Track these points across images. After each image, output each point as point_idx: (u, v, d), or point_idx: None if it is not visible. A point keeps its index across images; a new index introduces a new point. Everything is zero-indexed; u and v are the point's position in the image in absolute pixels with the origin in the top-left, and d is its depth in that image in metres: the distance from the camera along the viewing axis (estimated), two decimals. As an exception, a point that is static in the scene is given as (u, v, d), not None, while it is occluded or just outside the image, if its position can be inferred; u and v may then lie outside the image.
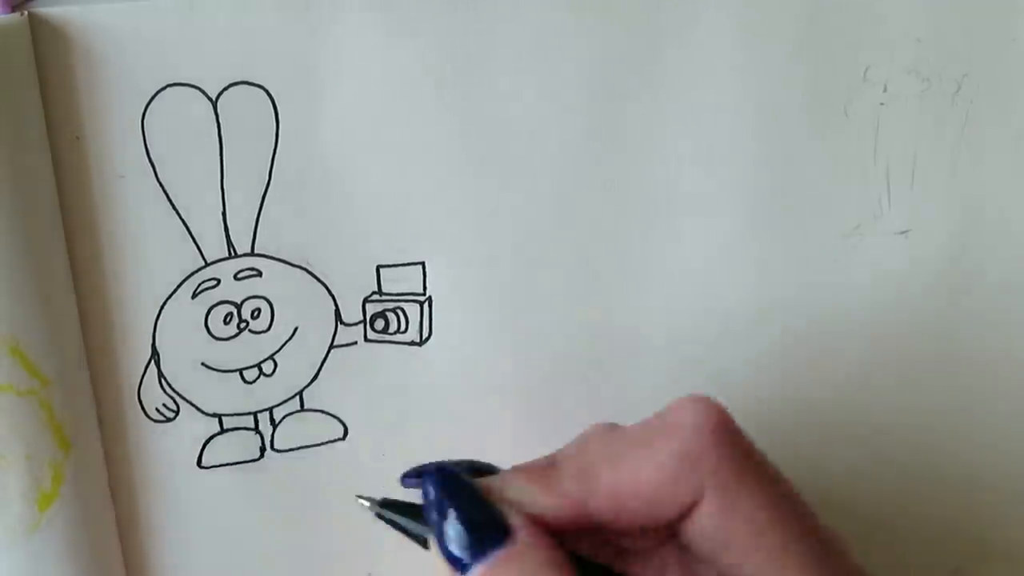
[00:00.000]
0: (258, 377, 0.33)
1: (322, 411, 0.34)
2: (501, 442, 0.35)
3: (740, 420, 0.34)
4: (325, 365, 0.33)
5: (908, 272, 0.35)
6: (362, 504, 0.28)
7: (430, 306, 0.33)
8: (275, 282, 0.32)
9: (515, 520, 0.26)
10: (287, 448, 0.34)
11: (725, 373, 0.35)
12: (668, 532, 0.26)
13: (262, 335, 0.32)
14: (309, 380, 0.33)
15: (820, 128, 0.34)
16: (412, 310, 0.33)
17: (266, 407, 0.33)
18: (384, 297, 0.33)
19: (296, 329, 0.33)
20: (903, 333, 0.36)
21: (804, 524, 0.25)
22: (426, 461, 0.28)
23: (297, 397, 0.33)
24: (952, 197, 0.35)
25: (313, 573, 0.35)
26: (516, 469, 0.27)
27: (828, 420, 0.36)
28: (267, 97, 0.30)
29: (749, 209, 0.34)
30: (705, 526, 0.25)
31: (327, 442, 0.34)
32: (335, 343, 0.33)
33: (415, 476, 0.28)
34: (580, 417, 0.34)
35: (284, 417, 0.34)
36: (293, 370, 0.33)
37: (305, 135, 0.31)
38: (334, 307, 0.33)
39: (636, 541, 0.27)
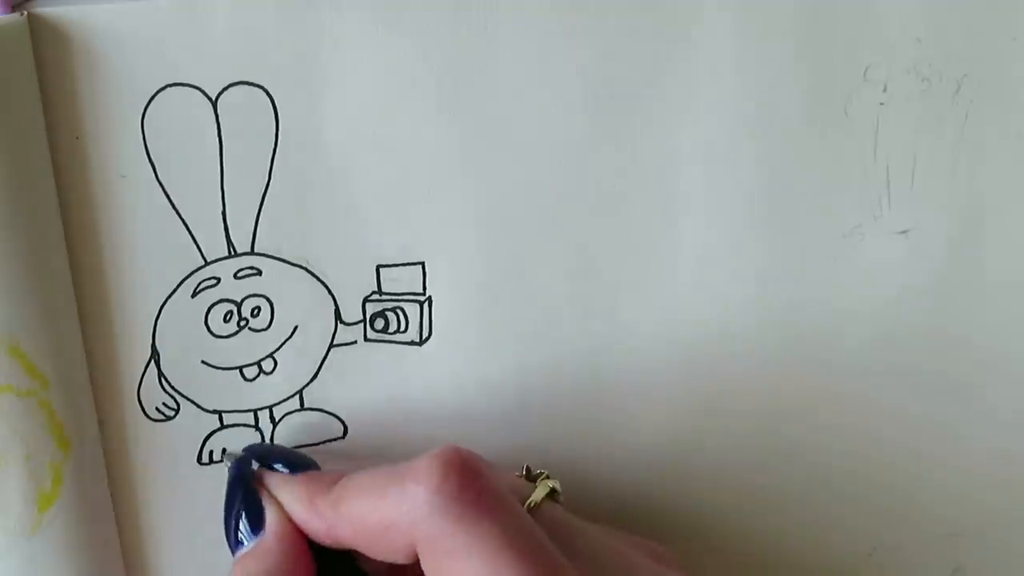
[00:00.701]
0: (258, 375, 0.33)
1: (322, 410, 0.34)
2: (500, 441, 0.35)
3: (738, 420, 0.34)
4: (325, 364, 0.33)
5: (908, 272, 0.35)
6: (225, 462, 0.33)
7: (430, 306, 0.34)
8: (275, 281, 0.32)
9: (269, 517, 0.30)
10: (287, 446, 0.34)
11: (725, 372, 0.35)
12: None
13: (262, 333, 0.33)
14: (309, 379, 0.33)
15: (820, 128, 0.34)
16: (412, 310, 0.34)
17: (266, 405, 0.33)
18: (384, 297, 0.33)
19: (296, 328, 0.33)
20: (903, 332, 0.36)
21: None
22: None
23: (297, 396, 0.34)
24: (952, 197, 0.35)
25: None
26: (303, 476, 0.30)
27: (827, 421, 0.37)
28: (267, 97, 0.30)
29: (749, 209, 0.34)
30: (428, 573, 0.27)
31: (326, 441, 0.34)
32: (335, 342, 0.33)
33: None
34: (579, 416, 0.35)
35: (284, 415, 0.34)
36: (293, 369, 0.33)
37: (305, 135, 0.31)
38: (334, 306, 0.33)
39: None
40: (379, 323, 0.33)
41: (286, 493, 0.30)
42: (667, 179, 0.33)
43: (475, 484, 0.26)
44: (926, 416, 0.37)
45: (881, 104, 0.34)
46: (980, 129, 0.34)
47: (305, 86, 0.30)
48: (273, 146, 0.31)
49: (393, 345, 0.34)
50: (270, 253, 0.32)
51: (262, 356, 0.33)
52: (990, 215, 0.35)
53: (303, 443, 0.34)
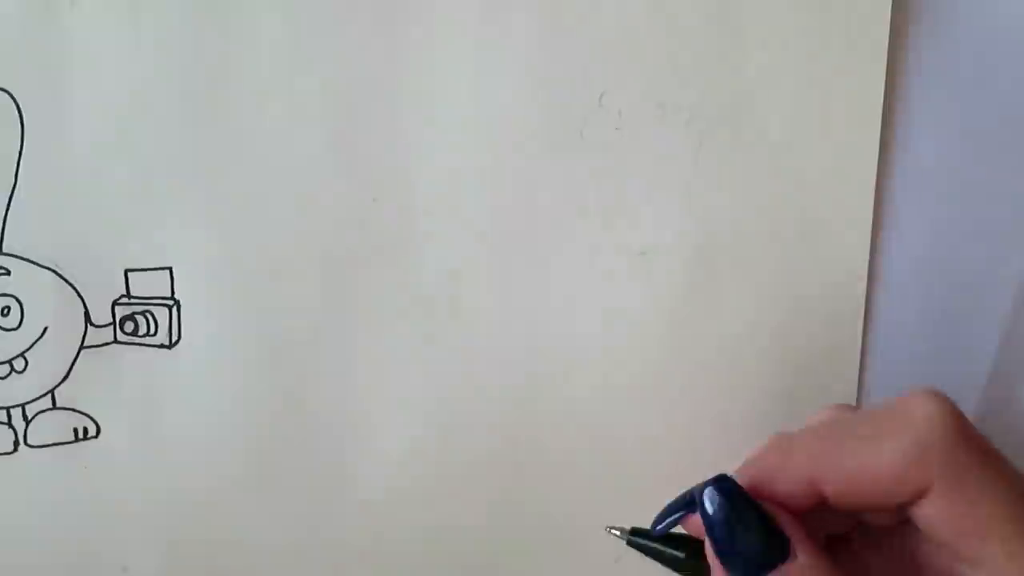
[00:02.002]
0: (10, 373, 0.34)
1: (74, 409, 0.35)
2: (247, 444, 0.36)
3: (480, 430, 0.35)
4: (76, 365, 0.35)
5: (644, 290, 0.37)
6: (613, 534, 0.30)
7: (179, 310, 0.35)
8: (24, 282, 0.34)
9: (793, 535, 0.27)
10: (41, 444, 0.35)
11: (469, 378, 0.36)
12: (902, 514, 0.27)
13: (12, 333, 0.34)
14: (61, 379, 0.35)
15: (557, 150, 0.35)
16: (161, 314, 0.35)
17: (18, 403, 0.35)
18: (133, 300, 0.35)
19: (46, 329, 0.34)
20: (639, 348, 0.37)
21: None
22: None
23: (49, 395, 0.35)
24: (687, 220, 0.36)
25: (68, 565, 0.36)
26: (750, 461, 0.28)
27: (569, 429, 0.37)
28: (11, 100, 0.32)
29: (488, 225, 0.35)
30: (935, 514, 0.26)
31: (80, 439, 0.35)
32: (86, 344, 0.35)
33: (677, 509, 0.29)
34: (325, 419, 0.36)
35: (37, 414, 0.35)
36: (44, 368, 0.35)
37: (51, 138, 0.33)
38: (83, 309, 0.34)
39: (874, 518, 0.29)
40: (129, 326, 0.35)
41: (753, 470, 0.28)
42: (407, 192, 0.35)
43: (966, 420, 0.26)
44: (660, 428, 0.38)
45: (617, 129, 0.36)
46: (713, 154, 0.36)
47: (50, 89, 0.33)
48: (19, 148, 0.33)
49: (144, 347, 0.35)
50: (19, 254, 0.34)
51: (13, 355, 0.34)
52: (723, 235, 0.36)
53: (56, 441, 0.35)
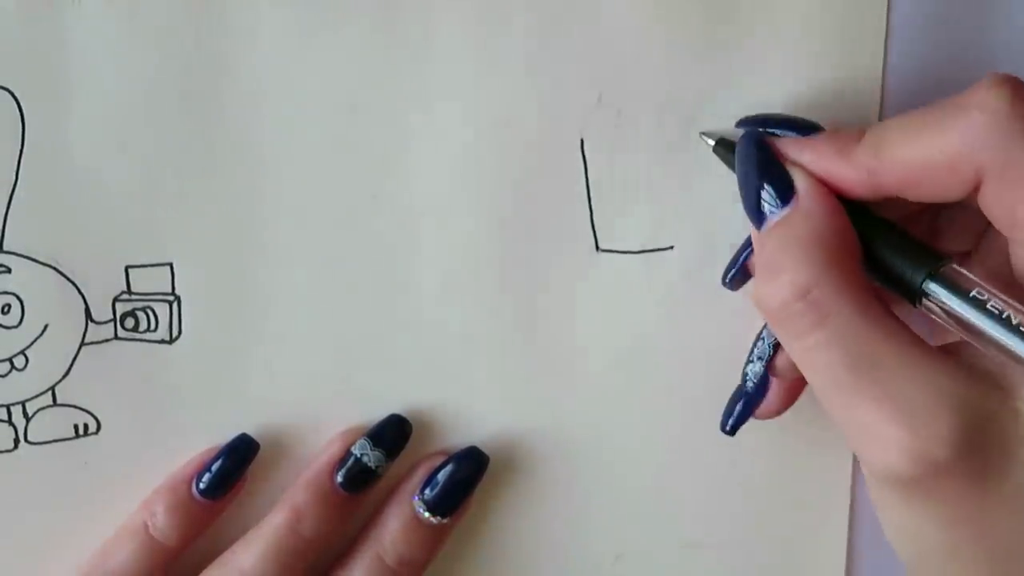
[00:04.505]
0: (10, 371, 0.34)
1: (75, 406, 0.35)
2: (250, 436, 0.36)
3: (481, 423, 0.35)
4: (77, 362, 0.35)
5: (645, 288, 0.37)
6: (704, 139, 0.34)
7: (179, 306, 0.35)
8: (24, 280, 0.34)
9: (800, 183, 0.29)
10: (41, 441, 0.35)
11: (469, 378, 0.37)
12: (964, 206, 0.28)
13: (12, 330, 0.34)
14: (61, 376, 0.35)
15: (556, 147, 0.35)
16: (161, 309, 0.35)
17: (18, 400, 0.35)
18: (133, 296, 0.35)
19: (47, 326, 0.34)
20: (641, 346, 0.37)
21: None
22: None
23: (50, 392, 0.35)
24: (688, 219, 0.37)
25: (72, 563, 0.36)
26: (817, 136, 0.30)
27: (571, 427, 0.38)
28: (12, 98, 0.32)
29: (490, 220, 0.36)
30: (992, 203, 0.26)
31: (80, 436, 0.35)
32: (86, 340, 0.35)
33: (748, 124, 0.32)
34: (328, 410, 0.36)
35: (37, 411, 0.35)
36: (45, 366, 0.35)
37: (52, 136, 0.33)
38: (84, 305, 0.34)
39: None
40: (129, 322, 0.35)
41: (810, 153, 0.29)
42: (409, 189, 0.35)
43: None
44: (667, 426, 0.38)
45: (616, 128, 0.36)
46: (714, 156, 0.36)
47: (51, 87, 0.33)
48: (20, 147, 0.33)
49: (144, 343, 0.35)
50: (19, 252, 0.34)
51: (14, 352, 0.34)
52: (723, 239, 0.37)
53: (57, 438, 0.35)
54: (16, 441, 0.35)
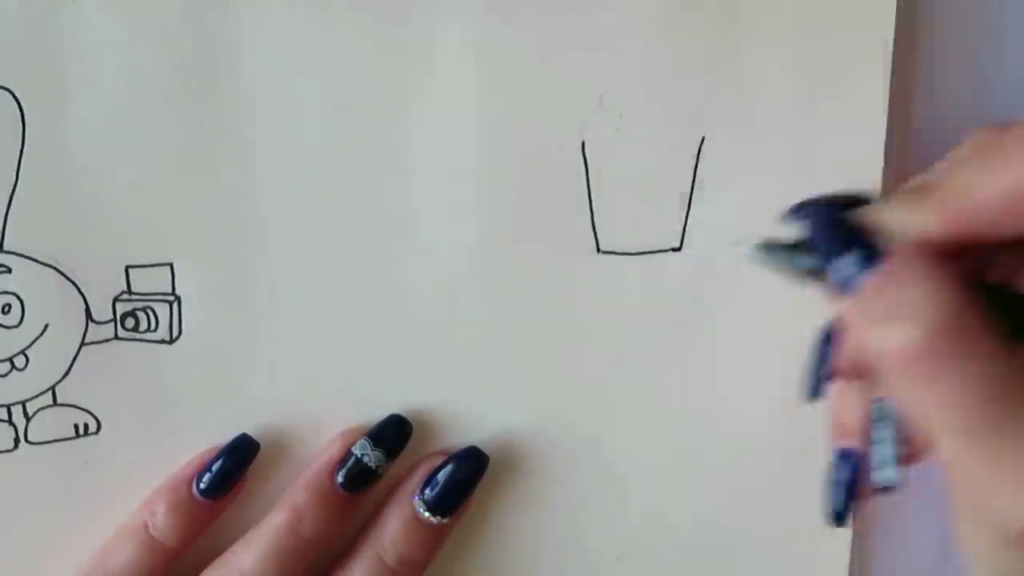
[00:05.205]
0: (10, 371, 0.34)
1: (75, 406, 0.35)
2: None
3: (485, 419, 0.35)
4: (77, 361, 0.35)
5: (648, 292, 0.37)
6: (739, 251, 0.29)
7: (179, 306, 0.35)
8: (25, 280, 0.34)
9: (890, 242, 0.26)
10: (41, 440, 0.35)
11: (468, 378, 0.37)
12: None
13: (13, 330, 0.34)
14: (62, 376, 0.35)
15: (557, 149, 0.35)
16: (162, 309, 0.35)
17: (19, 400, 0.35)
18: (133, 296, 0.35)
19: (47, 326, 0.34)
20: (640, 348, 0.37)
21: None
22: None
23: (50, 392, 0.35)
24: (689, 220, 0.36)
25: (72, 563, 0.36)
26: (890, 195, 0.27)
27: (573, 426, 0.38)
28: (12, 98, 0.32)
29: (491, 221, 0.36)
30: None
31: (81, 436, 0.35)
32: (86, 340, 0.35)
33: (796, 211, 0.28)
34: (329, 410, 0.36)
35: (38, 411, 0.35)
36: (45, 365, 0.35)
37: (52, 136, 0.33)
38: (84, 305, 0.34)
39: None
40: (130, 322, 0.35)
41: (887, 213, 0.26)
42: (410, 193, 0.35)
43: None
44: (667, 427, 0.38)
45: (618, 130, 0.36)
46: (715, 151, 0.36)
47: (51, 87, 0.33)
48: (20, 147, 0.33)
49: (144, 343, 0.35)
50: (20, 252, 0.34)
51: (14, 352, 0.34)
52: (724, 239, 0.36)
53: (57, 438, 0.35)
54: (16, 441, 0.35)
